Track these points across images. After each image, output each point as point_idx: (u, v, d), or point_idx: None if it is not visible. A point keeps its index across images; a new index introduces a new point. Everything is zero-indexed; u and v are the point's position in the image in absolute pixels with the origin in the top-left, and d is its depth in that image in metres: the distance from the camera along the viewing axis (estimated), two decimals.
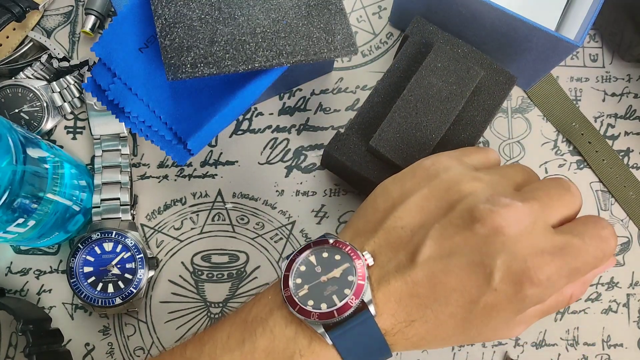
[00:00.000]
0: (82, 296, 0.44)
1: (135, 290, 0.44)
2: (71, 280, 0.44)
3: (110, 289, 0.44)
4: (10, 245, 0.47)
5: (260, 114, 0.50)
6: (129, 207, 0.46)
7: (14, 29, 0.49)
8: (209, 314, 0.47)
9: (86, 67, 0.49)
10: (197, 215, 0.48)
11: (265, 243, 0.48)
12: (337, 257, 0.32)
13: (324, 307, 0.31)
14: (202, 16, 0.38)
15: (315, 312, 0.31)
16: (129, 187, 0.46)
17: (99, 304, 0.44)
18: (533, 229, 0.31)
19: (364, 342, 0.31)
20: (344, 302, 0.31)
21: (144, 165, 0.49)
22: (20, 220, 0.38)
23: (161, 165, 0.49)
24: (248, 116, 0.50)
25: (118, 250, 0.45)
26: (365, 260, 0.32)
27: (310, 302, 0.31)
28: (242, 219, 0.48)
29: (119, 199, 0.46)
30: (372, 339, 0.31)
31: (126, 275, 0.44)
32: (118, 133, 0.47)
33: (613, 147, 0.50)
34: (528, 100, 0.51)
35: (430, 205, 0.33)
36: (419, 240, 0.32)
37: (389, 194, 0.34)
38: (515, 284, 0.30)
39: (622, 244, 0.49)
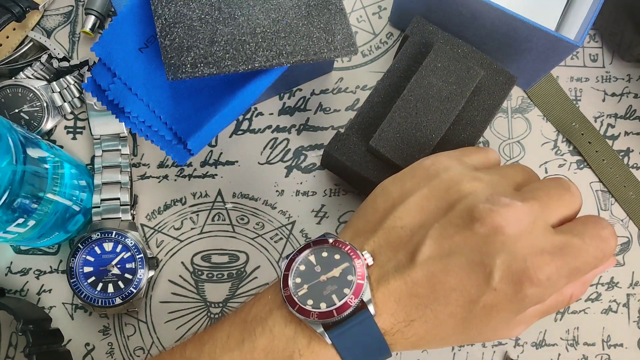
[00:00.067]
0: (82, 296, 0.44)
1: (135, 290, 0.44)
2: (71, 280, 0.44)
3: (110, 289, 0.44)
4: (10, 245, 0.47)
5: (260, 114, 0.50)
6: (129, 207, 0.46)
7: (14, 29, 0.49)
8: (209, 314, 0.47)
9: (86, 67, 0.49)
10: (197, 215, 0.48)
11: (265, 243, 0.48)
12: (337, 256, 0.32)
13: (323, 306, 0.31)
14: (202, 16, 0.38)
15: (315, 312, 0.31)
16: (129, 187, 0.46)
17: (99, 304, 0.44)
18: (533, 228, 0.31)
19: (363, 342, 0.31)
20: (343, 301, 0.31)
21: (144, 165, 0.49)
22: (20, 220, 0.38)
23: (161, 165, 0.49)
24: (248, 116, 0.50)
25: (118, 250, 0.45)
26: (365, 259, 0.32)
27: (310, 302, 0.31)
28: (242, 219, 0.48)
29: (119, 199, 0.46)
30: (372, 338, 0.31)
31: (126, 275, 0.44)
32: (118, 133, 0.47)
33: (613, 147, 0.50)
34: (528, 100, 0.51)
35: (430, 205, 0.33)
36: (418, 240, 0.32)
37: (388, 194, 0.34)
38: (515, 284, 0.30)
39: (622, 244, 0.49)
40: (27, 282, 0.47)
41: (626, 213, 0.50)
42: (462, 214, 0.31)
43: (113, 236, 0.45)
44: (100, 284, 0.44)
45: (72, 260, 0.44)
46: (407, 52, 0.44)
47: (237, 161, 0.49)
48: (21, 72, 0.48)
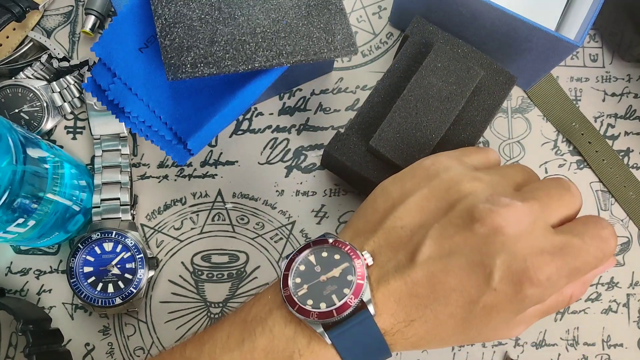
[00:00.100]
0: (82, 296, 0.44)
1: (135, 290, 0.44)
2: (71, 280, 0.44)
3: (110, 289, 0.44)
4: (10, 245, 0.47)
5: (260, 114, 0.50)
6: (129, 207, 0.46)
7: (14, 29, 0.49)
8: (209, 314, 0.47)
9: (86, 67, 0.49)
10: (197, 215, 0.48)
11: (265, 243, 0.48)
12: (337, 256, 0.32)
13: (323, 306, 0.31)
14: (202, 16, 0.38)
15: (315, 312, 0.31)
16: (129, 187, 0.46)
17: (99, 304, 0.44)
18: (533, 228, 0.31)
19: (363, 342, 0.31)
20: (343, 301, 0.31)
21: (144, 165, 0.49)
22: (20, 220, 0.38)
23: (161, 165, 0.49)
24: (248, 116, 0.50)
25: (118, 250, 0.45)
26: (365, 259, 0.32)
27: (310, 302, 0.31)
28: (242, 219, 0.48)
29: (119, 199, 0.46)
30: (372, 338, 0.31)
31: (126, 275, 0.44)
32: (118, 133, 0.47)
33: (613, 147, 0.50)
34: (528, 100, 0.51)
35: (430, 205, 0.33)
36: (418, 240, 0.32)
37: (388, 194, 0.34)
38: (515, 284, 0.30)
39: (622, 244, 0.49)
40: (27, 282, 0.47)
41: (626, 213, 0.50)
42: (462, 214, 0.31)
43: (113, 236, 0.45)
44: (100, 284, 0.44)
45: (72, 260, 0.44)
46: (407, 52, 0.44)
47: (237, 161, 0.49)
48: (21, 72, 0.48)
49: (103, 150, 0.47)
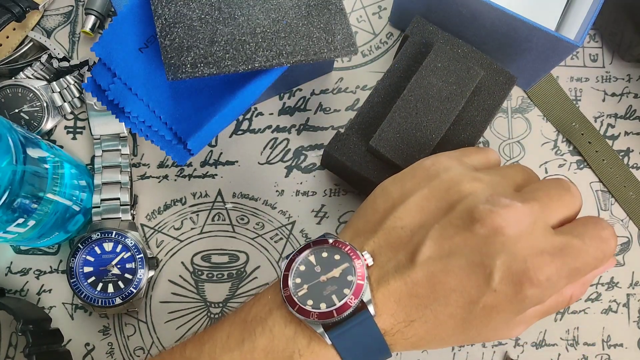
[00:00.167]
0: (82, 296, 0.44)
1: (135, 290, 0.44)
2: (71, 280, 0.44)
3: (110, 289, 0.44)
4: (10, 245, 0.47)
5: (260, 114, 0.50)
6: (129, 207, 0.46)
7: (14, 29, 0.49)
8: (209, 314, 0.47)
9: (86, 67, 0.49)
10: (197, 215, 0.48)
11: (265, 243, 0.48)
12: (337, 257, 0.32)
13: (323, 306, 0.31)
14: (202, 16, 0.38)
15: (315, 312, 0.31)
16: (129, 187, 0.46)
17: (99, 304, 0.44)
18: (533, 229, 0.31)
19: (363, 342, 0.31)
20: (343, 301, 0.31)
21: (144, 165, 0.49)
22: (20, 220, 0.38)
23: (161, 165, 0.49)
24: (248, 116, 0.50)
25: (118, 250, 0.45)
26: (365, 260, 0.32)
27: (310, 302, 0.31)
28: (242, 219, 0.48)
29: (119, 199, 0.46)
30: (372, 338, 0.31)
31: (126, 275, 0.44)
32: (118, 133, 0.47)
33: (613, 147, 0.50)
34: (528, 100, 0.51)
35: (430, 205, 0.33)
36: (418, 240, 0.32)
37: (388, 194, 0.34)
38: (515, 285, 0.30)
39: (622, 244, 0.49)
40: (27, 282, 0.47)
41: (626, 213, 0.50)
42: (462, 215, 0.31)
43: (113, 236, 0.45)
44: (100, 284, 0.44)
45: (72, 260, 0.44)
46: (407, 52, 0.44)
47: (237, 161, 0.49)
48: (21, 72, 0.48)
49: (103, 150, 0.47)
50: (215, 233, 0.48)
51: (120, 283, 0.44)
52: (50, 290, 0.47)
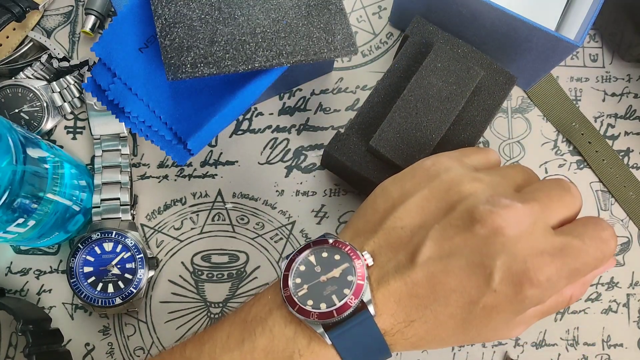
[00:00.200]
0: (82, 296, 0.44)
1: (135, 290, 0.44)
2: (71, 280, 0.44)
3: (110, 289, 0.44)
4: (10, 245, 0.47)
5: (260, 114, 0.50)
6: (129, 207, 0.46)
7: (14, 29, 0.49)
8: (209, 314, 0.47)
9: (86, 67, 0.49)
10: (197, 215, 0.48)
11: (265, 243, 0.48)
12: (337, 257, 0.32)
13: (323, 306, 0.31)
14: (202, 16, 0.38)
15: (315, 312, 0.31)
16: (129, 187, 0.46)
17: (99, 304, 0.44)
18: (533, 230, 0.31)
19: (363, 342, 0.31)
20: (343, 302, 0.31)
21: (144, 165, 0.49)
22: (20, 220, 0.38)
23: (161, 165, 0.49)
24: (248, 116, 0.50)
25: (118, 250, 0.45)
26: (365, 260, 0.32)
27: (310, 302, 0.31)
28: (242, 219, 0.48)
29: (119, 199, 0.46)
30: (372, 339, 0.31)
31: (126, 275, 0.44)
32: (118, 133, 0.47)
33: (613, 147, 0.50)
34: (528, 100, 0.51)
35: (430, 205, 0.33)
36: (418, 240, 0.32)
37: (388, 194, 0.34)
38: (515, 285, 0.30)
39: (622, 244, 0.49)
40: (27, 282, 0.47)
41: (626, 213, 0.50)
42: (462, 215, 0.31)
43: (113, 236, 0.45)
44: (100, 284, 0.44)
45: (72, 260, 0.44)
46: (407, 52, 0.44)
47: (237, 161, 0.49)
48: (21, 72, 0.48)
49: (103, 150, 0.47)
50: (215, 233, 0.48)
51: (120, 283, 0.44)
52: (50, 290, 0.47)
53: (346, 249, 0.32)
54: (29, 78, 0.48)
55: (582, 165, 0.50)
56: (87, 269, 0.44)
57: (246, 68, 0.37)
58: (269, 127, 0.49)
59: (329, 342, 0.31)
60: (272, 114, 0.50)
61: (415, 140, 0.41)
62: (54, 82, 0.48)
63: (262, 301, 0.34)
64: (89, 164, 0.49)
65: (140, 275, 0.44)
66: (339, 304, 0.31)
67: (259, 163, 0.49)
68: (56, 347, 0.44)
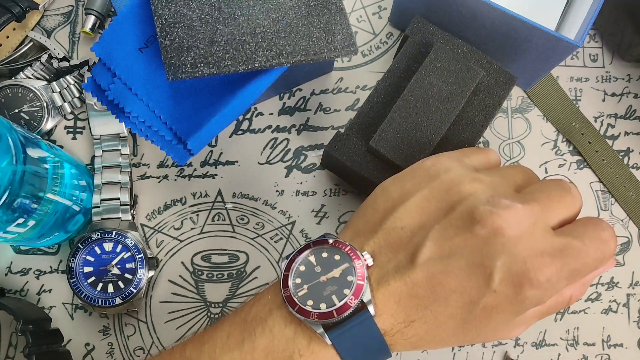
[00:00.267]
0: (82, 296, 0.44)
1: (135, 290, 0.44)
2: (71, 280, 0.44)
3: (110, 289, 0.44)
4: (10, 245, 0.47)
5: (260, 114, 0.50)
6: (129, 207, 0.46)
7: (14, 29, 0.49)
8: (209, 314, 0.47)
9: (86, 67, 0.49)
10: (197, 215, 0.48)
11: (265, 243, 0.48)
12: (337, 257, 0.32)
13: (323, 307, 0.31)
14: (202, 16, 0.38)
15: (315, 312, 0.31)
16: (129, 187, 0.46)
17: (99, 304, 0.44)
18: (533, 230, 0.31)
19: (363, 342, 0.31)
20: (343, 302, 0.31)
21: (144, 165, 0.49)
22: (20, 220, 0.38)
23: (161, 165, 0.49)
24: (248, 116, 0.50)
25: (118, 250, 0.45)
26: (365, 260, 0.32)
27: (310, 302, 0.31)
28: (242, 219, 0.48)
29: (119, 199, 0.46)
30: (372, 339, 0.31)
31: (126, 275, 0.44)
32: (118, 133, 0.47)
33: (613, 147, 0.50)
34: (528, 100, 0.51)
35: (431, 206, 0.33)
36: (418, 241, 0.32)
37: (389, 194, 0.34)
38: (515, 286, 0.30)
39: (622, 244, 0.49)
40: (27, 282, 0.47)
41: (626, 213, 0.50)
42: (462, 216, 0.31)
43: (113, 236, 0.45)
44: (100, 284, 0.44)
45: (72, 260, 0.44)
46: (407, 52, 0.44)
47: (237, 161, 0.49)
48: (21, 72, 0.48)
49: (103, 150, 0.47)
50: (215, 233, 0.48)
51: (120, 283, 0.44)
52: (50, 290, 0.47)
53: (346, 249, 0.32)
54: (29, 78, 0.48)
55: (582, 165, 0.50)
56: (87, 269, 0.44)
57: (246, 68, 0.37)
58: (269, 127, 0.49)
59: (329, 342, 0.31)
60: (272, 114, 0.50)
61: (415, 140, 0.41)
62: (54, 82, 0.48)
63: (262, 301, 0.34)
64: (89, 164, 0.49)
65: (140, 275, 0.44)
66: (339, 304, 0.31)
67: (259, 163, 0.49)
68: (56, 347, 0.44)
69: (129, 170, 0.47)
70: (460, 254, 0.31)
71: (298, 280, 0.32)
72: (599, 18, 0.50)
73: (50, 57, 0.48)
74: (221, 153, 0.49)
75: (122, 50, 0.39)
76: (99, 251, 0.44)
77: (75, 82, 0.48)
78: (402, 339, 0.32)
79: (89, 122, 0.47)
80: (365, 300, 0.31)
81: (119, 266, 0.44)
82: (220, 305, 0.47)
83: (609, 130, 0.51)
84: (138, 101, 0.39)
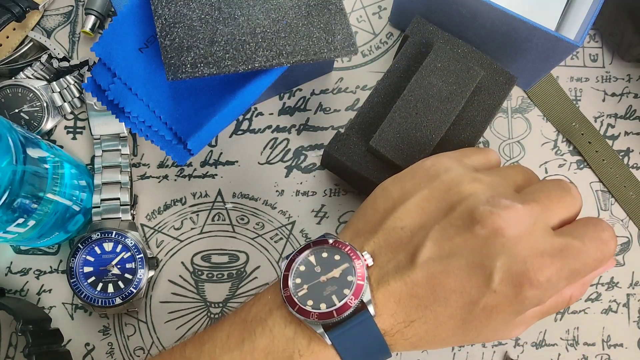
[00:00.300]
0: (82, 296, 0.44)
1: (135, 290, 0.44)
2: (71, 280, 0.44)
3: (110, 289, 0.44)
4: (10, 245, 0.47)
5: (260, 114, 0.50)
6: (129, 207, 0.46)
7: (14, 29, 0.49)
8: (209, 314, 0.47)
9: (86, 67, 0.49)
10: (197, 215, 0.48)
11: (265, 243, 0.48)
12: (337, 257, 0.32)
13: (323, 307, 0.31)
14: (202, 16, 0.38)
15: (315, 312, 0.31)
16: (129, 187, 0.46)
17: (99, 304, 0.44)
18: (533, 230, 0.31)
19: (363, 342, 0.31)
20: (343, 302, 0.31)
21: (144, 165, 0.49)
22: (20, 220, 0.38)
23: (161, 165, 0.49)
24: (248, 116, 0.50)
25: (118, 250, 0.45)
26: (365, 260, 0.32)
27: (310, 302, 0.31)
28: (242, 219, 0.48)
29: (119, 199, 0.46)
30: (372, 339, 0.31)
31: (126, 275, 0.44)
32: (118, 133, 0.47)
33: (613, 147, 0.50)
34: (528, 100, 0.51)
35: (431, 206, 0.33)
36: (418, 241, 0.32)
37: (389, 194, 0.34)
38: (515, 286, 0.30)
39: (622, 244, 0.49)
40: (27, 282, 0.47)
41: (626, 213, 0.50)
42: (462, 216, 0.31)
43: (113, 236, 0.45)
44: (100, 284, 0.44)
45: (72, 260, 0.44)
46: (407, 52, 0.44)
47: (237, 161, 0.49)
48: (21, 72, 0.48)
49: (103, 150, 0.47)
50: (215, 233, 0.48)
51: (120, 283, 0.44)
52: (50, 290, 0.47)
53: (346, 249, 0.32)
54: (29, 78, 0.48)
55: (582, 165, 0.50)
56: (87, 269, 0.44)
57: (246, 68, 0.37)
58: (269, 127, 0.49)
59: (329, 342, 0.31)
60: (272, 114, 0.50)
61: (415, 140, 0.41)
62: (54, 82, 0.48)
63: (262, 301, 0.34)
64: (89, 164, 0.49)
65: (140, 275, 0.44)
66: (339, 304, 0.31)
67: (259, 163, 0.49)
68: (56, 347, 0.44)
69: (129, 170, 0.47)
70: (460, 254, 0.31)
71: (298, 280, 0.32)
72: (599, 18, 0.50)
73: (50, 57, 0.48)
74: (221, 153, 0.49)
75: (122, 50, 0.39)
76: (99, 251, 0.44)
77: (75, 82, 0.48)
78: (402, 339, 0.32)
79: (89, 122, 0.47)
80: (365, 300, 0.31)
81: (119, 266, 0.44)
82: (220, 305, 0.47)
83: (609, 130, 0.51)
84: (138, 101, 0.39)
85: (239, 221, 0.48)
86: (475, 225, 0.30)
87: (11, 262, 0.47)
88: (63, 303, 0.46)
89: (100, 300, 0.44)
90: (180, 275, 0.47)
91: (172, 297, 0.47)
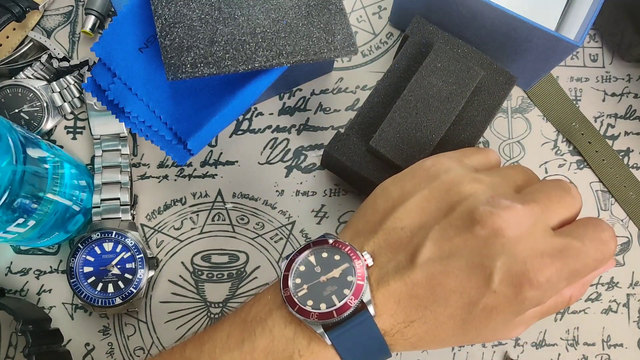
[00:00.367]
0: (82, 296, 0.44)
1: (135, 290, 0.44)
2: (71, 280, 0.44)
3: (110, 289, 0.44)
4: (10, 245, 0.47)
5: (260, 114, 0.50)
6: (129, 207, 0.46)
7: (14, 29, 0.49)
8: (209, 314, 0.47)
9: (86, 67, 0.49)
10: (197, 215, 0.48)
11: (265, 243, 0.48)
12: (337, 257, 0.32)
13: (323, 307, 0.31)
14: (202, 16, 0.38)
15: (315, 312, 0.31)
16: (129, 187, 0.46)
17: (99, 304, 0.44)
18: (533, 231, 0.31)
19: (363, 342, 0.31)
20: (343, 302, 0.31)
21: (144, 165, 0.49)
22: (20, 220, 0.38)
23: (161, 165, 0.49)
24: (248, 116, 0.50)
25: (118, 250, 0.45)
26: (365, 260, 0.32)
27: (310, 302, 0.31)
28: (242, 219, 0.48)
29: (119, 199, 0.46)
30: (371, 339, 0.31)
31: (126, 275, 0.44)
32: (118, 133, 0.47)
33: (613, 147, 0.50)
34: (528, 100, 0.51)
35: (431, 206, 0.33)
36: (418, 241, 0.32)
37: (389, 194, 0.34)
38: (515, 286, 0.30)
39: (622, 244, 0.49)
40: (27, 282, 0.47)
41: (626, 213, 0.50)
42: (462, 216, 0.31)
43: (113, 236, 0.45)
44: (100, 284, 0.44)
45: (72, 260, 0.44)
46: (407, 52, 0.44)
47: (237, 161, 0.49)
48: (21, 72, 0.48)
49: (103, 150, 0.47)
50: (215, 233, 0.48)
51: (120, 283, 0.44)
52: (50, 290, 0.47)
53: (346, 249, 0.32)
54: (29, 78, 0.48)
55: (582, 165, 0.50)
56: (87, 269, 0.44)
57: (246, 68, 0.37)
58: (269, 127, 0.49)
59: (329, 342, 0.31)
60: (272, 114, 0.50)
61: (415, 140, 0.41)
62: (54, 82, 0.48)
63: (262, 301, 0.34)
64: (89, 164, 0.49)
65: (140, 275, 0.44)
66: (338, 305, 0.31)
67: (259, 163, 0.49)
68: (56, 347, 0.44)
69: (129, 170, 0.47)
70: (460, 254, 0.31)
71: (298, 280, 0.32)
72: (599, 18, 0.50)
73: (50, 57, 0.48)
74: (221, 153, 0.49)
75: (122, 50, 0.39)
76: (99, 251, 0.44)
77: (75, 82, 0.48)
78: (402, 339, 0.32)
79: (89, 122, 0.47)
80: (365, 300, 0.31)
81: (119, 266, 0.44)
82: (220, 305, 0.47)
83: (609, 130, 0.51)
84: (138, 101, 0.39)
85: (239, 221, 0.48)
86: (475, 225, 0.30)
87: (11, 262, 0.47)
88: (63, 303, 0.46)
89: (100, 300, 0.44)
90: (180, 275, 0.47)
91: (172, 297, 0.47)
